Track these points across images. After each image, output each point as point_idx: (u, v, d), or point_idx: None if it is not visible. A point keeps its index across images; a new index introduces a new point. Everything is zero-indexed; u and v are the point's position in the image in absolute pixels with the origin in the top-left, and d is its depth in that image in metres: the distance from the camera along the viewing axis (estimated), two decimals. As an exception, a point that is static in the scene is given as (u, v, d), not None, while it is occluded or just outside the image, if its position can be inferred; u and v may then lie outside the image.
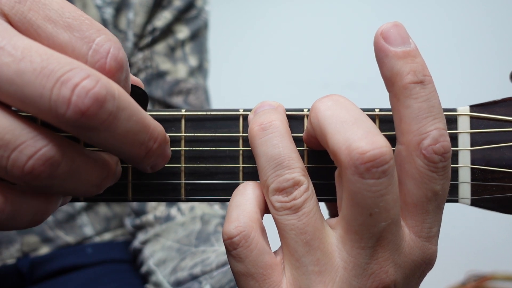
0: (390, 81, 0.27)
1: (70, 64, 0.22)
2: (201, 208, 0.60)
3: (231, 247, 0.27)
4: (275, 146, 0.27)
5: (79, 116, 0.21)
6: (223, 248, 0.51)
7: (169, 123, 0.32)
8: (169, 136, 0.32)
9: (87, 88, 0.21)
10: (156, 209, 0.60)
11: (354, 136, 0.25)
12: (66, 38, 0.23)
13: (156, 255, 0.56)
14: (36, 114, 0.22)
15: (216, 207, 0.61)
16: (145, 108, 0.30)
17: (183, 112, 0.32)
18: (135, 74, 0.63)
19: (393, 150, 0.28)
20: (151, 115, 0.32)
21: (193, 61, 0.65)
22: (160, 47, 0.63)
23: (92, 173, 0.25)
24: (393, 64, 0.26)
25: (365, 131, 0.25)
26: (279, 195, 0.27)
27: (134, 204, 0.61)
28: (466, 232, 1.49)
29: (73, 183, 0.24)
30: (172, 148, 0.31)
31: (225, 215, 0.60)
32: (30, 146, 0.22)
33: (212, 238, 0.54)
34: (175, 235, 0.57)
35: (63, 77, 0.21)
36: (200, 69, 0.67)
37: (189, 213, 0.59)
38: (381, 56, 0.27)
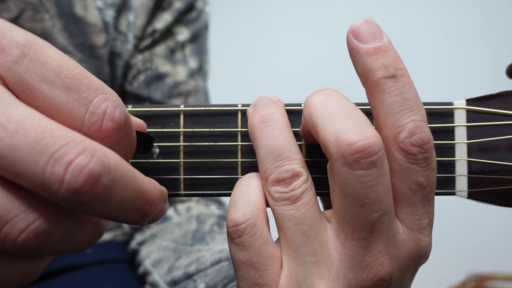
0: (364, 78, 0.27)
1: (65, 137, 0.21)
2: (197, 208, 0.60)
3: (236, 234, 0.27)
4: (275, 137, 0.28)
5: (72, 193, 0.21)
6: (218, 247, 0.52)
7: (168, 118, 0.32)
8: (168, 131, 0.32)
9: (81, 165, 0.20)
10: None
11: (343, 128, 0.25)
12: (63, 100, 0.22)
13: (152, 255, 0.56)
14: (28, 188, 0.21)
15: (213, 207, 0.62)
16: (149, 149, 0.30)
17: (182, 107, 0.32)
18: (135, 76, 0.63)
19: None
20: (149, 110, 0.32)
21: (193, 63, 0.66)
22: (160, 49, 0.63)
23: (86, 234, 0.24)
24: (364, 61, 0.27)
25: (355, 123, 0.25)
26: (278, 186, 0.27)
27: None
28: (466, 232, 1.49)
29: (66, 247, 0.24)
30: (171, 144, 0.32)
31: (221, 215, 0.60)
32: (22, 220, 0.21)
33: (207, 237, 0.54)
34: (171, 235, 0.57)
35: (57, 154, 0.20)
36: (200, 71, 0.67)
37: (186, 214, 0.59)
38: (353, 54, 0.27)
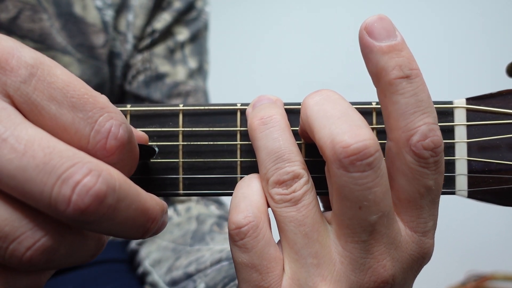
0: (376, 77, 0.26)
1: (72, 158, 0.21)
2: (197, 208, 0.60)
3: (238, 237, 0.27)
4: (276, 139, 0.28)
5: (78, 213, 0.21)
6: (218, 247, 0.51)
7: (167, 117, 0.32)
8: (167, 130, 0.32)
9: (88, 186, 0.21)
10: None
11: (338, 130, 0.25)
12: (70, 119, 0.23)
13: (152, 255, 0.56)
14: (35, 207, 0.22)
15: (213, 208, 0.61)
16: (151, 159, 0.31)
17: (181, 107, 0.32)
18: (134, 76, 0.63)
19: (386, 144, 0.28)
20: (148, 110, 0.32)
21: (192, 63, 0.65)
22: (160, 49, 0.63)
23: (89, 248, 0.25)
24: (378, 60, 0.26)
25: (350, 125, 0.25)
26: (279, 188, 0.27)
27: None
28: (466, 232, 1.49)
29: (69, 261, 0.24)
30: (170, 143, 0.32)
31: (221, 215, 0.60)
32: (29, 238, 0.22)
33: (207, 237, 0.54)
34: (171, 235, 0.57)
35: (64, 175, 0.21)
36: (199, 71, 0.67)
37: (185, 214, 0.59)
38: (366, 52, 0.26)
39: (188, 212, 0.59)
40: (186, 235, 0.56)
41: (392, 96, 0.26)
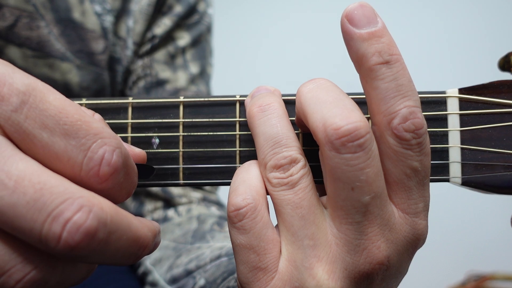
0: (357, 63, 0.27)
1: (63, 194, 0.21)
2: (198, 209, 0.60)
3: (237, 218, 0.28)
4: (274, 125, 0.28)
5: (68, 250, 0.21)
6: (218, 244, 0.52)
7: (168, 109, 0.33)
8: (168, 121, 0.33)
9: (79, 223, 0.21)
10: (153, 212, 0.60)
11: (330, 114, 0.25)
12: (62, 147, 0.23)
13: (153, 254, 0.56)
14: (26, 241, 0.22)
15: (213, 208, 0.62)
16: (149, 176, 0.31)
17: (181, 99, 0.33)
18: (135, 82, 0.62)
19: None
20: (150, 102, 0.33)
21: (194, 68, 0.65)
22: (160, 54, 0.63)
23: (80, 274, 0.25)
24: (358, 47, 0.26)
25: (342, 109, 0.25)
26: (276, 172, 0.28)
27: (131, 208, 0.61)
28: (466, 232, 1.49)
29: (60, 287, 0.24)
30: (170, 134, 0.32)
31: (222, 216, 0.60)
32: (19, 271, 0.22)
33: (207, 236, 0.54)
34: (172, 235, 0.57)
35: (54, 212, 0.21)
36: (201, 75, 0.66)
37: (186, 214, 0.60)
38: (347, 39, 0.27)
39: (189, 213, 0.60)
40: (186, 234, 0.56)
41: (373, 82, 0.27)
